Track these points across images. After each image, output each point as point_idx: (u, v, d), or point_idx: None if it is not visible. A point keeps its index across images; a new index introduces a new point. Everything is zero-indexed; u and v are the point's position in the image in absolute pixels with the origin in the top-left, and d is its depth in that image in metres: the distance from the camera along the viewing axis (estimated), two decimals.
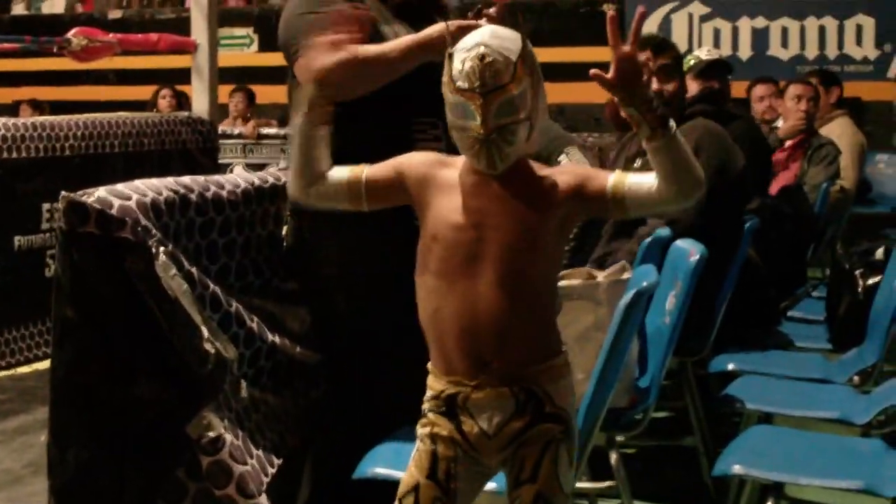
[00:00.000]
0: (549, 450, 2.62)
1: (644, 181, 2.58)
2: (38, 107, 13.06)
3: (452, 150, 2.71)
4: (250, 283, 3.73)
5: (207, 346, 3.22)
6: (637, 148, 4.89)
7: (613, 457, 3.69)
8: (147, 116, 7.57)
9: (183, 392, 3.25)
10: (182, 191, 3.45)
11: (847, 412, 3.97)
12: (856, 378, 4.42)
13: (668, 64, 4.82)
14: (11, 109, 13.45)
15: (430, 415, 2.67)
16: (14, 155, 6.39)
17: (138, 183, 3.34)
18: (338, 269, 3.65)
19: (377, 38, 3.57)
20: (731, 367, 4.64)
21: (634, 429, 3.81)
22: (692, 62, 6.21)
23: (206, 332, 3.23)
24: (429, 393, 2.69)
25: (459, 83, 2.51)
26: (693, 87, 5.98)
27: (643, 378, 3.91)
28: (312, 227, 3.64)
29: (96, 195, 3.16)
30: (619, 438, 3.91)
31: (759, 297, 5.12)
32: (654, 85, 4.73)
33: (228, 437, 3.25)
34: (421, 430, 2.69)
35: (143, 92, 12.72)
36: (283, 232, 3.81)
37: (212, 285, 3.41)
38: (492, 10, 3.53)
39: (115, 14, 14.84)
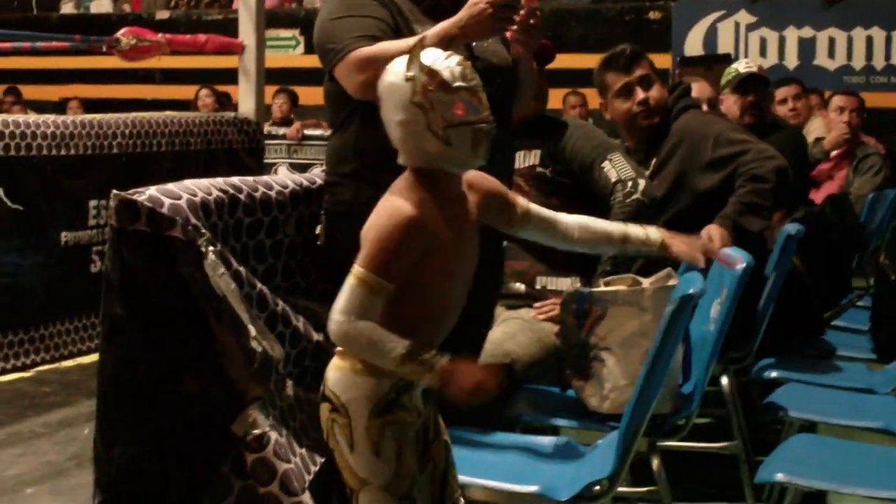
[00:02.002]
0: (435, 406, 2.86)
1: (551, 218, 3.01)
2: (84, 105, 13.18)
3: None
4: (296, 283, 3.76)
5: (254, 345, 3.25)
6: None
7: (655, 462, 3.69)
8: (194, 116, 7.61)
9: (229, 390, 3.28)
10: (231, 191, 3.49)
11: (890, 422, 3.95)
12: None
13: (647, 74, 4.82)
14: (59, 107, 13.56)
15: (395, 410, 2.74)
16: (62, 152, 6.44)
17: (188, 182, 3.37)
18: None
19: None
20: (774, 375, 4.63)
21: (676, 434, 3.81)
22: (731, 76, 6.22)
23: (253, 331, 3.26)
24: (379, 387, 2.72)
25: (459, 83, 2.66)
26: (730, 100, 6.00)
27: (686, 384, 3.91)
28: (344, 226, 3.65)
29: (147, 194, 3.20)
30: (672, 443, 3.92)
31: (803, 305, 5.10)
32: (640, 95, 4.75)
33: (273, 434, 3.28)
34: (393, 429, 2.73)
35: (188, 91, 12.83)
36: (317, 231, 3.84)
37: (259, 285, 3.44)
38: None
39: (162, 14, 14.95)
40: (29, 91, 14.05)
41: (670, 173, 4.70)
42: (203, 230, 3.23)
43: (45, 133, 6.33)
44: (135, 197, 3.18)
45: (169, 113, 7.33)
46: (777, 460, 3.48)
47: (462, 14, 3.44)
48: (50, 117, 6.68)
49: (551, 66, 4.66)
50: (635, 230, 3.02)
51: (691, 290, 3.15)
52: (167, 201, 3.19)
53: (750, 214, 4.47)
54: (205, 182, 3.43)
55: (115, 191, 3.21)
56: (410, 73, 2.67)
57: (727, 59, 7.51)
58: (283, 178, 3.88)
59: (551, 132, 4.63)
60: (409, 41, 3.41)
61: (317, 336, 3.66)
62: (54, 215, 6.51)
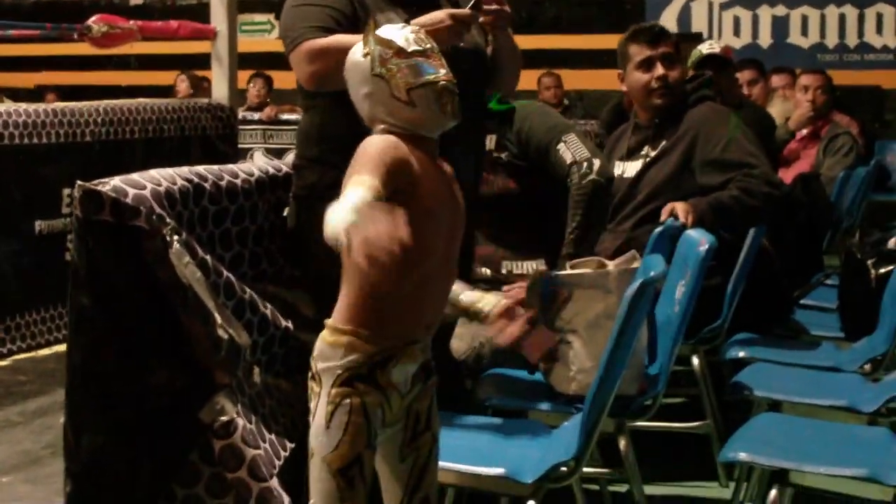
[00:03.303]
0: (434, 398, 2.91)
1: None
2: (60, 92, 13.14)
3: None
4: (263, 270, 3.78)
5: (221, 333, 3.26)
6: (629, 147, 4.92)
7: (622, 442, 3.73)
8: (167, 102, 7.60)
9: (196, 378, 3.30)
10: (196, 180, 3.50)
11: (855, 400, 3.99)
12: (866, 366, 4.44)
13: (671, 52, 4.86)
14: (33, 94, 13.52)
15: (357, 384, 2.74)
16: (35, 140, 6.45)
17: (153, 172, 3.39)
18: (329, 250, 3.59)
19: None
20: (742, 354, 4.66)
21: (644, 415, 3.84)
22: (694, 57, 6.32)
23: (219, 319, 3.27)
24: (349, 359, 2.74)
25: (414, 48, 2.77)
26: None
27: (653, 366, 3.94)
28: (308, 207, 3.67)
29: (111, 184, 3.21)
30: (644, 423, 3.96)
31: (772, 285, 5.14)
32: (659, 70, 4.78)
33: (241, 421, 3.30)
34: (348, 401, 2.73)
35: (164, 77, 12.79)
36: (285, 214, 3.86)
37: (225, 273, 3.45)
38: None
39: (136, 0, 14.90)
40: (3, 78, 14.01)
41: (675, 160, 4.72)
42: (168, 219, 3.24)
43: (16, 121, 6.33)
44: (98, 187, 3.19)
45: (142, 100, 7.33)
46: (740, 440, 3.51)
47: (423, 20, 3.45)
48: (22, 105, 6.68)
49: (526, 46, 4.68)
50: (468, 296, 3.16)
51: (652, 273, 3.19)
52: (131, 191, 3.20)
53: (720, 215, 4.50)
54: (169, 171, 3.45)
55: (79, 181, 3.22)
56: (367, 49, 2.78)
57: (698, 38, 7.56)
58: (248, 165, 3.90)
59: (503, 116, 4.65)
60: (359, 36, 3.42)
61: (285, 322, 3.68)
62: (27, 204, 6.52)
